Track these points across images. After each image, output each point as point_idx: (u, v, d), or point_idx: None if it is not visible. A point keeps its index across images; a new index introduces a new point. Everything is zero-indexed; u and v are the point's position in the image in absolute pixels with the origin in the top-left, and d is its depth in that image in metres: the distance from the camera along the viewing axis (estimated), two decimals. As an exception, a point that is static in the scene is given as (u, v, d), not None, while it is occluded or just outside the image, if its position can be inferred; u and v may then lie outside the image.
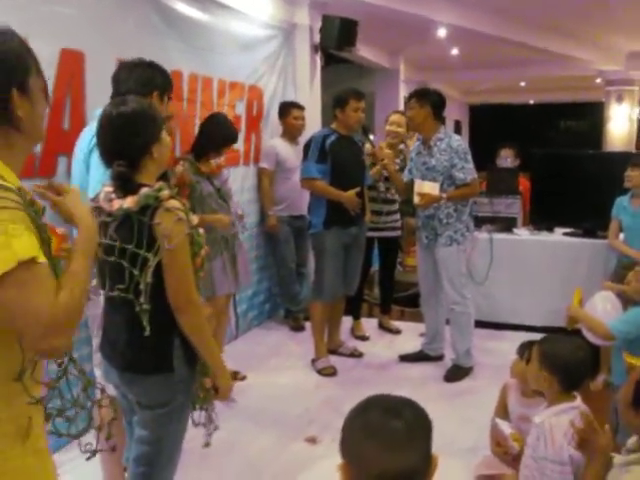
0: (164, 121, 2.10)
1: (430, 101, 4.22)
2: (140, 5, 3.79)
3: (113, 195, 1.97)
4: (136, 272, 1.90)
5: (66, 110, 3.19)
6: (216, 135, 3.91)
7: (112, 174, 1.99)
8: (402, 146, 5.12)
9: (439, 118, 4.28)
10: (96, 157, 2.50)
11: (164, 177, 3.20)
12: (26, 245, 1.20)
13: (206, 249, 2.05)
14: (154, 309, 1.92)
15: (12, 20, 1.56)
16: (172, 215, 1.89)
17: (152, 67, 2.74)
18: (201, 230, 2.04)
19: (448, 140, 4.20)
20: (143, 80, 2.68)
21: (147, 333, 1.90)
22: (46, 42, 3.00)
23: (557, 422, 2.25)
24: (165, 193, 1.91)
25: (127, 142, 1.95)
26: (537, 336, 2.62)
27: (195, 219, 2.00)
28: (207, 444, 2.18)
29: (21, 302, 1.19)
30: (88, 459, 1.77)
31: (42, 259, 1.23)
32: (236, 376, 4.17)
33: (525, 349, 2.77)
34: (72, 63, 3.21)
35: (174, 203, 1.92)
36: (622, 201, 4.42)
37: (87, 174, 2.56)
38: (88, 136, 2.64)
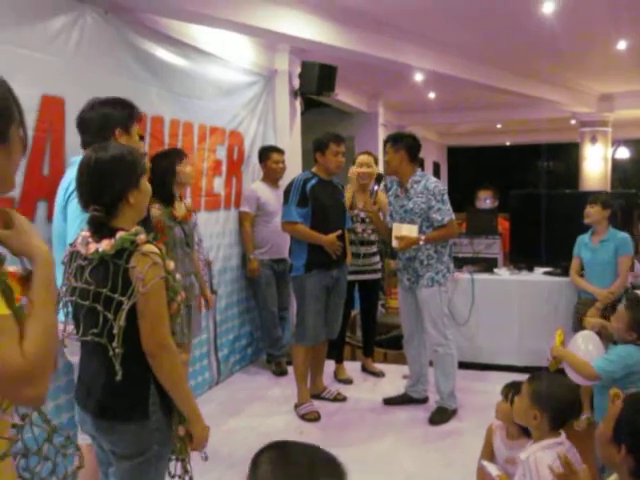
0: (144, 169, 2.09)
1: (405, 145, 4.27)
2: (120, 51, 3.83)
3: (90, 239, 1.96)
4: (110, 316, 1.88)
5: (46, 156, 3.18)
6: (164, 164, 3.76)
7: (88, 219, 1.99)
8: (376, 187, 5.10)
9: (415, 161, 4.34)
10: (73, 207, 2.50)
11: (146, 222, 3.18)
12: None
13: (182, 295, 2.03)
14: (129, 354, 1.89)
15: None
16: (148, 259, 1.88)
17: (106, 104, 2.74)
18: (178, 276, 2.02)
19: (425, 182, 4.25)
20: (99, 123, 2.69)
21: (119, 378, 1.87)
22: (27, 88, 3.01)
23: (542, 457, 2.26)
24: (141, 237, 1.91)
25: (103, 188, 1.95)
26: (520, 376, 2.63)
27: (171, 264, 1.99)
28: None
29: None
30: None
31: (3, 311, 1.19)
32: None
33: (509, 390, 2.77)
34: (52, 109, 3.21)
35: (150, 247, 1.92)
36: (583, 239, 4.61)
37: (64, 222, 2.55)
38: (65, 184, 2.64)
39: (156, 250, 1.93)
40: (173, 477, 2.12)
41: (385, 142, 4.42)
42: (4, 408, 1.27)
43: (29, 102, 3.06)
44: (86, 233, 1.99)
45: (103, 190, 1.95)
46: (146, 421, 1.93)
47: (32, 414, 1.48)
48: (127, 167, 1.99)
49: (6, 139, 1.28)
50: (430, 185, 4.22)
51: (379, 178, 4.68)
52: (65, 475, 1.64)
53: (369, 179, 5.02)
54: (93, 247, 1.92)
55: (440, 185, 4.27)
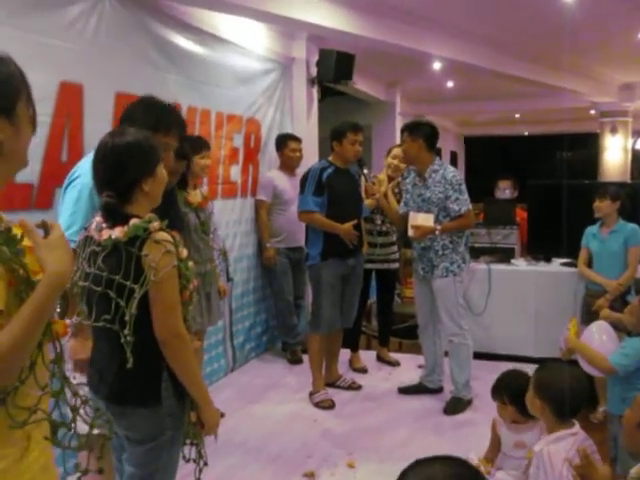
0: (161, 157, 2.07)
1: (422, 133, 4.24)
2: (138, 39, 3.83)
3: (104, 225, 1.96)
4: (122, 303, 1.88)
5: (64, 142, 3.20)
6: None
7: (101, 204, 1.99)
8: (400, 178, 5.12)
9: (432, 150, 4.30)
10: (68, 195, 2.49)
11: (173, 209, 3.17)
12: None
13: (194, 283, 2.03)
14: (141, 341, 1.89)
15: (12, 52, 1.57)
16: (160, 247, 1.87)
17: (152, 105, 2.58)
18: (190, 263, 2.02)
19: (443, 172, 4.22)
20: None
21: (130, 365, 1.87)
22: (46, 75, 3.03)
23: (555, 449, 2.24)
24: (155, 225, 1.90)
25: (117, 174, 1.95)
26: (535, 368, 2.61)
27: (184, 252, 1.98)
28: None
29: None
30: (79, 478, 1.72)
31: None
32: None
33: (498, 394, 2.82)
34: (71, 96, 3.23)
35: (163, 235, 1.91)
36: (591, 230, 4.58)
37: (61, 206, 2.55)
38: (72, 170, 2.63)
39: (169, 238, 1.92)
40: (188, 461, 2.14)
41: (402, 131, 4.39)
42: (22, 379, 1.29)
43: (47, 89, 3.07)
44: (100, 219, 1.99)
45: (117, 176, 1.95)
46: (158, 406, 1.94)
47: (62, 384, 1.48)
48: (143, 154, 1.98)
49: (13, 115, 1.29)
50: (448, 175, 4.19)
51: (360, 162, 4.55)
52: (91, 445, 1.66)
53: (398, 172, 5.04)
54: (106, 234, 1.92)
55: (458, 175, 4.24)
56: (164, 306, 1.89)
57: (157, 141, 2.15)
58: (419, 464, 1.25)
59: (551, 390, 2.35)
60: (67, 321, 1.56)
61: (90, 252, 1.95)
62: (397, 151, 5.08)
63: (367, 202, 4.68)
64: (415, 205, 4.30)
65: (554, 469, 2.18)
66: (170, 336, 1.91)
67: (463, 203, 4.18)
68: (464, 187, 4.22)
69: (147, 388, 1.95)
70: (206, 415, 2.05)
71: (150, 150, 2.01)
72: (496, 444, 2.92)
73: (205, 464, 2.14)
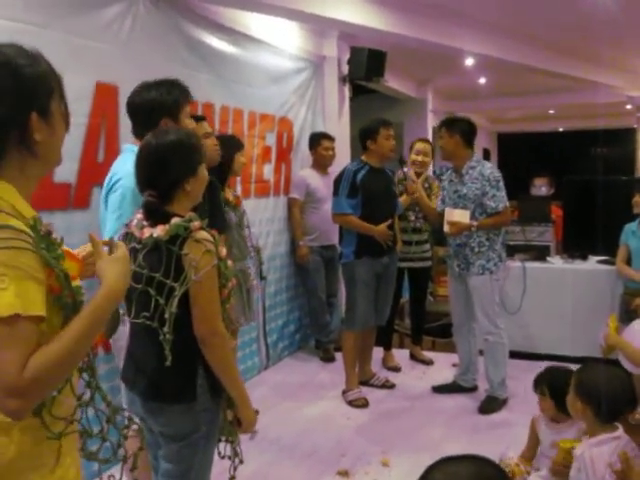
0: (204, 156, 2.08)
1: (459, 129, 4.22)
2: (172, 39, 3.87)
3: (145, 223, 1.98)
4: (162, 301, 1.90)
5: (101, 142, 3.25)
6: (224, 150, 3.70)
7: (142, 203, 2.02)
8: (431, 173, 5.12)
9: (470, 145, 4.27)
10: (113, 199, 2.52)
11: (218, 210, 3.21)
12: (9, 300, 1.13)
13: (233, 281, 2.04)
14: (179, 338, 1.91)
15: (50, 54, 1.59)
16: (201, 246, 1.88)
17: (152, 89, 2.64)
18: (229, 262, 2.03)
19: (480, 168, 4.18)
20: (145, 110, 2.61)
21: (168, 363, 1.89)
22: (82, 76, 3.09)
23: (598, 453, 2.19)
24: (196, 224, 1.92)
25: (159, 174, 1.97)
26: (573, 368, 2.57)
27: (224, 251, 1.99)
28: (232, 478, 2.13)
29: None
30: None
31: (36, 310, 1.16)
32: None
33: (541, 385, 2.77)
34: (106, 96, 3.27)
35: (204, 234, 1.92)
36: (630, 227, 4.50)
37: (106, 211, 2.58)
38: (110, 174, 2.66)
39: (209, 237, 1.93)
40: (223, 458, 2.15)
41: (439, 126, 4.37)
42: (59, 387, 1.29)
43: (83, 90, 3.13)
44: (140, 216, 2.02)
45: (159, 176, 1.97)
46: (193, 402, 1.95)
47: (94, 393, 1.49)
48: (185, 154, 1.99)
49: (47, 113, 1.29)
50: (486, 171, 4.15)
51: (401, 160, 4.60)
52: (126, 456, 1.67)
53: (424, 167, 5.04)
54: (148, 232, 1.94)
55: (496, 172, 4.19)
56: (204, 305, 1.90)
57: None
58: (445, 461, 1.25)
59: (594, 392, 2.28)
60: None
61: (131, 249, 1.97)
62: (420, 146, 5.06)
63: (403, 199, 4.66)
64: (451, 201, 4.27)
65: (596, 473, 2.13)
66: (209, 334, 1.92)
67: (500, 200, 4.13)
68: (502, 184, 4.17)
69: (183, 385, 1.96)
70: (244, 413, 2.05)
71: (193, 149, 2.02)
72: (534, 443, 2.88)
73: (241, 462, 2.15)
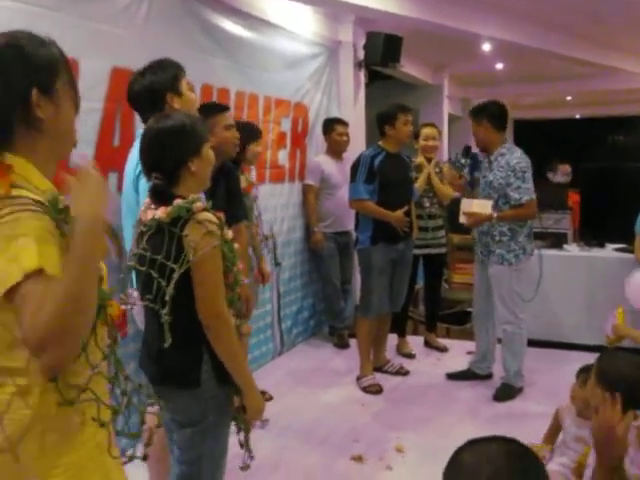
0: (208, 138, 2.07)
1: (486, 114, 4.15)
2: (187, 24, 3.84)
3: (152, 206, 1.98)
4: (163, 283, 1.89)
5: (116, 127, 3.25)
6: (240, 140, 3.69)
7: (149, 187, 2.02)
8: (446, 161, 5.08)
9: (501, 129, 4.19)
10: (144, 182, 2.54)
11: (236, 197, 3.20)
12: (33, 255, 1.17)
13: (239, 265, 2.03)
14: (183, 322, 1.90)
15: (66, 39, 1.59)
16: (202, 227, 1.87)
17: (147, 72, 2.66)
18: (236, 245, 2.02)
19: (508, 156, 4.09)
20: (146, 94, 2.62)
21: (166, 345, 1.88)
22: (97, 60, 3.08)
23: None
24: (198, 205, 1.90)
25: (162, 156, 1.97)
26: (589, 356, 2.54)
27: (229, 233, 1.98)
28: (245, 467, 2.11)
29: (19, 320, 1.18)
30: (125, 463, 1.73)
31: (52, 268, 1.18)
32: (263, 396, 4.09)
33: (584, 374, 2.70)
34: (122, 81, 3.24)
35: (207, 216, 1.91)
36: None
37: (135, 196, 2.59)
38: (134, 159, 2.67)
39: (213, 219, 1.91)
40: (242, 447, 2.12)
41: (469, 115, 4.32)
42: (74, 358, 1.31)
43: (99, 74, 3.12)
44: (148, 200, 2.02)
45: (163, 158, 1.97)
46: (198, 389, 1.94)
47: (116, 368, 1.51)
48: (187, 134, 1.99)
49: (50, 92, 1.32)
50: (512, 160, 4.05)
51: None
52: (145, 432, 1.67)
53: (434, 152, 5.02)
54: (151, 214, 1.94)
55: (523, 162, 4.07)
56: (205, 287, 1.89)
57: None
58: (474, 442, 1.24)
59: (616, 379, 2.25)
60: (122, 306, 1.57)
61: (138, 233, 1.98)
62: (428, 131, 5.03)
63: (418, 185, 4.64)
64: (479, 188, 4.23)
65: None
66: (211, 317, 1.90)
67: (525, 192, 4.02)
68: (529, 175, 4.05)
69: (187, 370, 1.95)
70: (249, 400, 2.02)
71: (194, 131, 2.01)
72: (555, 432, 2.86)
73: (251, 457, 2.11)
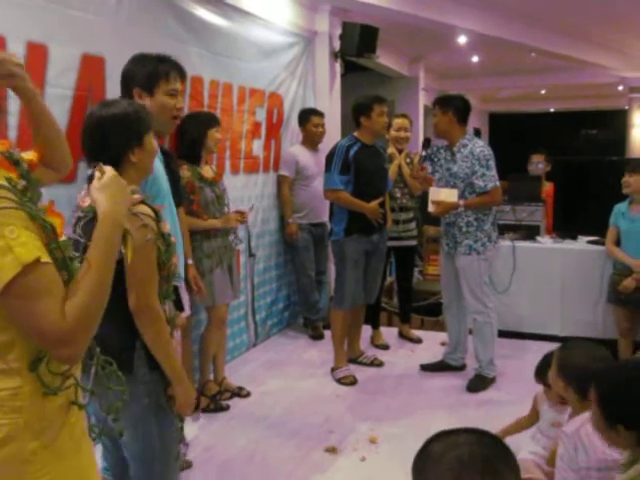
0: (150, 127, 2.04)
1: (453, 107, 4.17)
2: (160, 11, 3.78)
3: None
4: None
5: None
6: (196, 126, 3.75)
7: (87, 175, 2.01)
8: (423, 152, 5.06)
9: (464, 123, 4.23)
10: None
11: (176, 185, 3.16)
12: (28, 247, 1.18)
13: (175, 260, 2.01)
14: (118, 310, 1.84)
15: (34, 24, 1.54)
16: (136, 220, 1.84)
17: (132, 61, 2.75)
18: (173, 239, 2.00)
19: (471, 146, 4.14)
20: (122, 82, 2.71)
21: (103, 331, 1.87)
22: (67, 47, 3.01)
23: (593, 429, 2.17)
24: (136, 197, 1.87)
25: (103, 145, 1.94)
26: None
27: (167, 227, 1.97)
28: (184, 458, 2.09)
29: (26, 314, 1.17)
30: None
31: (45, 257, 1.21)
32: (240, 392, 4.09)
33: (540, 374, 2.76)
34: (93, 68, 3.20)
35: (143, 208, 1.88)
36: (620, 208, 4.46)
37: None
38: None
39: (149, 212, 1.89)
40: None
41: (434, 104, 4.32)
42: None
43: (69, 61, 3.06)
44: (87, 186, 1.97)
45: (103, 147, 1.94)
46: (130, 375, 1.91)
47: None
48: (128, 125, 1.96)
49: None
50: (476, 150, 4.11)
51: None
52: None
53: (406, 143, 5.03)
54: (88, 201, 1.90)
55: (486, 150, 4.14)
56: (136, 278, 1.87)
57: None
58: (444, 433, 1.26)
59: (574, 371, 2.28)
60: None
61: (76, 218, 1.95)
62: (399, 122, 5.04)
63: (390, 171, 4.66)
64: (444, 180, 4.24)
65: (596, 449, 2.12)
66: (140, 307, 1.89)
67: (489, 179, 4.09)
68: (492, 163, 4.12)
69: (120, 356, 1.90)
70: (177, 391, 1.99)
71: (137, 120, 1.98)
72: (533, 417, 2.89)
73: (184, 444, 2.09)
